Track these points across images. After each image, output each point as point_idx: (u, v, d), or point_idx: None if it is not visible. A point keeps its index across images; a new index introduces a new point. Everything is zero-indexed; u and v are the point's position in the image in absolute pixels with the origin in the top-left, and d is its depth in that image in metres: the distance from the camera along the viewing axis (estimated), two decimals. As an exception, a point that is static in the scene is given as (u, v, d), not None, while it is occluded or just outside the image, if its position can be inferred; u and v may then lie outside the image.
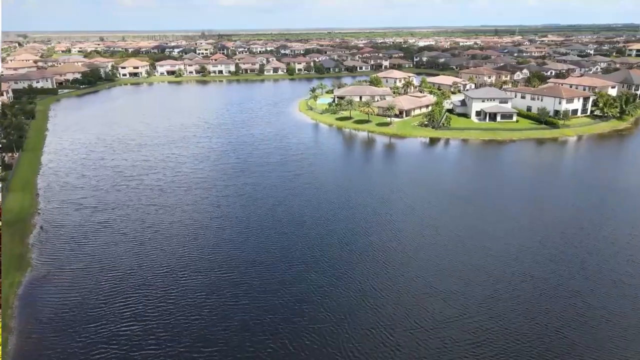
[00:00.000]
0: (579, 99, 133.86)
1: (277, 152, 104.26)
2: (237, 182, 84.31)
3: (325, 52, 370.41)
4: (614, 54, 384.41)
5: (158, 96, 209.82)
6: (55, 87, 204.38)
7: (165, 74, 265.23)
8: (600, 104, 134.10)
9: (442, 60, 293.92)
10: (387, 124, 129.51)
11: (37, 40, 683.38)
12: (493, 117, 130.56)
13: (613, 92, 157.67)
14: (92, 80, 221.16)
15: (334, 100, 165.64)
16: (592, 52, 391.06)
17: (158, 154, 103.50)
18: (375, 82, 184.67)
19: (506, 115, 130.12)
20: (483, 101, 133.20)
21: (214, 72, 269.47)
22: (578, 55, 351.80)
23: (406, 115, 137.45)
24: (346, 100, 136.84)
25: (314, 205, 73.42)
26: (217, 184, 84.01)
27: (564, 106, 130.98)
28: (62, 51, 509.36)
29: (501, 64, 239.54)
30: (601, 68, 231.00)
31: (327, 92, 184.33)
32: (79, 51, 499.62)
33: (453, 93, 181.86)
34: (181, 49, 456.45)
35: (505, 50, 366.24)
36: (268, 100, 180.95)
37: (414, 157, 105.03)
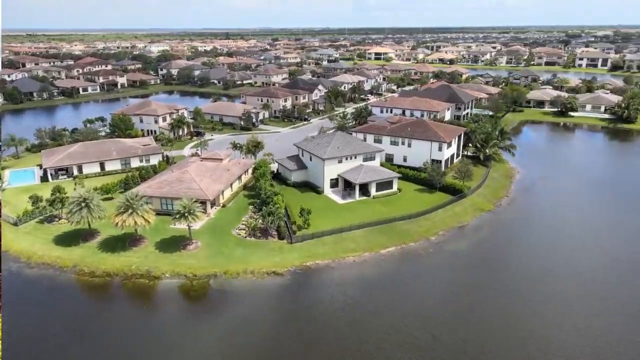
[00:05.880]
0: (455, 139, 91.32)
1: None
2: None
3: (23, 65, 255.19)
4: (356, 57, 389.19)
5: None
6: None
7: None
8: (477, 142, 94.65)
9: (198, 73, 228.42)
10: (182, 242, 59.72)
11: None
12: (363, 187, 75.75)
13: (448, 115, 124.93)
14: None
15: (45, 175, 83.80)
16: (337, 55, 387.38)
17: None
18: (121, 126, 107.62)
19: (384, 184, 76.94)
20: (340, 161, 76.75)
21: None
22: (328, 61, 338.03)
23: (212, 206, 69.85)
24: (78, 196, 59.32)
25: None
26: None
27: (446, 153, 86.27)
28: None
29: (288, 80, 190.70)
30: (383, 78, 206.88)
31: (29, 150, 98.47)
32: None
33: (246, 129, 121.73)
34: None
35: (262, 57, 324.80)
36: None
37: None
